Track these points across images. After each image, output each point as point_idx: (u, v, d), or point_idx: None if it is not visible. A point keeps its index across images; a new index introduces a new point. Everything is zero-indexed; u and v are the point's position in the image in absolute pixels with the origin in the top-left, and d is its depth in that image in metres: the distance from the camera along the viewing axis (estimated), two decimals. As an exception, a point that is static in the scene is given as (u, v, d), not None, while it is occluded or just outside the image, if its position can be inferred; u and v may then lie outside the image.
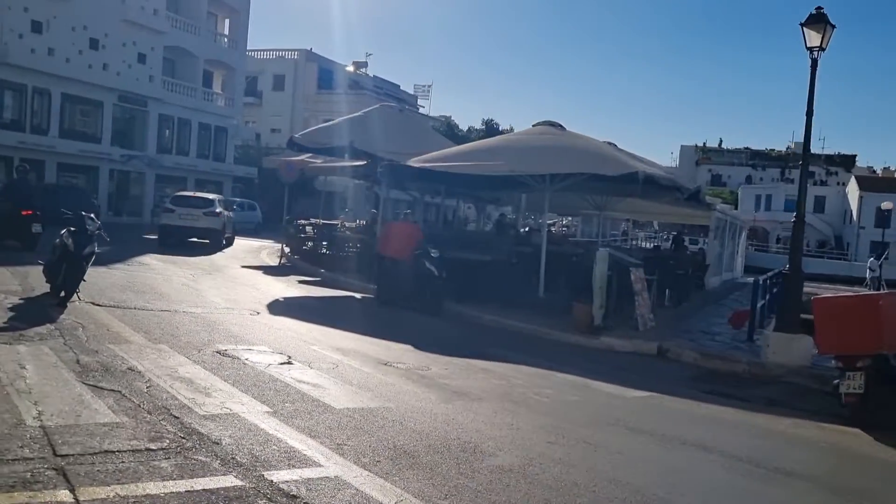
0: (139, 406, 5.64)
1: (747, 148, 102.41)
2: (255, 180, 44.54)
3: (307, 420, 5.84)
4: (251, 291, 14.10)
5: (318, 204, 50.37)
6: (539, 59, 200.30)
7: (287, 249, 23.16)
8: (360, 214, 34.08)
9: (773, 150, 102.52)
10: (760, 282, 13.36)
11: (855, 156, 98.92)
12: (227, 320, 10.34)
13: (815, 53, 10.23)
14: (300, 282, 16.85)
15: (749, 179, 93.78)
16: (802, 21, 10.22)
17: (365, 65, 60.57)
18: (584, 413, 7.37)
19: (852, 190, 75.96)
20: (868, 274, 32.26)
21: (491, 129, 73.45)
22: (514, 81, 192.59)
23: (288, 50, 54.63)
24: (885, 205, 47.88)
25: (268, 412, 5.93)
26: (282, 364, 7.82)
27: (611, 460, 5.75)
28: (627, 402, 8.08)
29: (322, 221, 24.56)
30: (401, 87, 63.37)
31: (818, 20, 10.11)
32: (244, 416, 5.70)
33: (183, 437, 5.02)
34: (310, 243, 22.11)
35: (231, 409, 5.84)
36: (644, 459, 5.92)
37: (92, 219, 10.37)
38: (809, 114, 10.55)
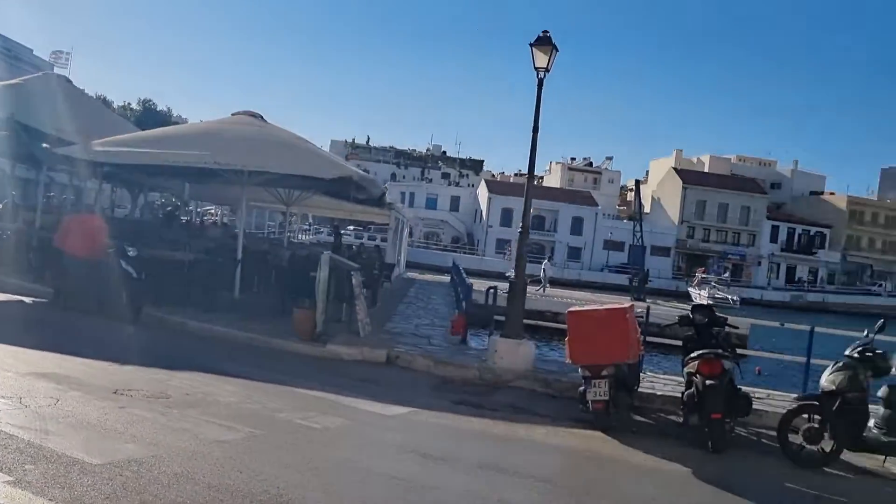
0: None
1: (392, 147, 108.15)
2: None
3: (68, 489, 4.57)
4: None
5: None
6: (193, 36, 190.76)
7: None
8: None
9: (416, 150, 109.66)
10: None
11: (483, 161, 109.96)
12: None
13: (541, 74, 10.85)
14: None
15: (394, 177, 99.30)
16: (532, 41, 10.78)
17: (-11, 19, 51.82)
18: (368, 441, 6.92)
19: (482, 192, 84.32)
20: (542, 274, 35.90)
21: (149, 111, 67.67)
22: (171, 59, 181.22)
23: None
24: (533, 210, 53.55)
25: (9, 482, 4.54)
26: (-16, 404, 6.14)
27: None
28: (394, 421, 7.79)
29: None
30: (34, 53, 55.44)
31: (545, 42, 10.73)
32: (-16, 494, 4.29)
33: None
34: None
35: (-41, 486, 4.36)
36: (473, 494, 5.68)
37: None
38: (535, 130, 11.19)
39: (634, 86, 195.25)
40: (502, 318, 11.55)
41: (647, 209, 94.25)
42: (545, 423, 8.48)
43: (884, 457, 7.69)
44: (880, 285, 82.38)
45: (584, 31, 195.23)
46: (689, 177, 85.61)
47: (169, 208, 29.83)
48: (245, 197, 16.11)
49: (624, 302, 10.74)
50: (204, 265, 13.59)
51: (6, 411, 6.01)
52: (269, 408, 7.47)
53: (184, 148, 13.36)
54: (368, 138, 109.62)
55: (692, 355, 8.13)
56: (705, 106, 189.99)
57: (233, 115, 15.74)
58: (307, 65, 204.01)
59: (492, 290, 13.06)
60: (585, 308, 8.58)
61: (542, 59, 10.79)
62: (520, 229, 11.93)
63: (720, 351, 8.11)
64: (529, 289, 32.68)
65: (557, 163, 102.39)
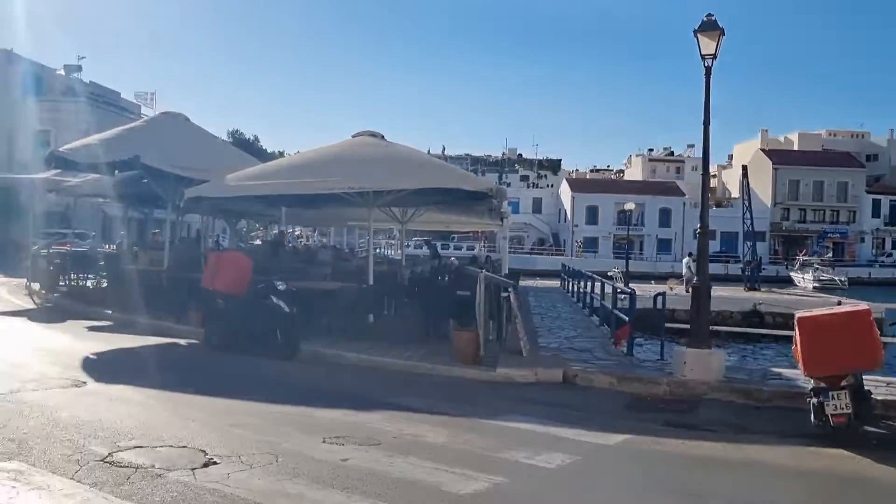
0: None
1: (468, 154, 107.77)
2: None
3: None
4: (40, 352, 10.96)
5: (29, 224, 43.69)
6: (263, 62, 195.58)
7: (36, 285, 19.21)
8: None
9: (491, 155, 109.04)
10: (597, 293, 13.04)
11: (560, 160, 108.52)
12: (59, 403, 7.66)
13: (708, 61, 10.03)
14: (90, 329, 13.67)
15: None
16: (696, 28, 9.98)
17: (78, 69, 53.55)
18: (614, 479, 6.26)
19: (565, 191, 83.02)
20: (687, 271, 34.63)
21: (239, 141, 68.94)
22: (248, 88, 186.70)
23: (-21, 51, 46.55)
24: (628, 206, 52.48)
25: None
26: (207, 466, 5.73)
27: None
28: (619, 452, 7.09)
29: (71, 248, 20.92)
30: (121, 95, 57.14)
31: (711, 27, 9.92)
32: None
33: None
34: (72, 276, 18.51)
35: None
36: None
37: None
38: (706, 123, 10.34)
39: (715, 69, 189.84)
40: (675, 325, 10.76)
41: (734, 193, 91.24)
42: (774, 441, 7.62)
43: None
44: None
45: (654, 18, 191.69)
46: (778, 156, 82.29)
47: (275, 232, 29.76)
48: (372, 218, 15.79)
49: (860, 303, 9.78)
50: (349, 293, 13.18)
51: (234, 476, 5.57)
52: (482, 447, 6.87)
53: (319, 174, 13.01)
54: (444, 147, 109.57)
55: None
56: (787, 84, 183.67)
57: (353, 136, 15.37)
58: (370, 79, 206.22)
59: (660, 296, 12.19)
60: (819, 312, 7.66)
61: (708, 46, 9.97)
62: (697, 229, 11.03)
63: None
64: (673, 286, 31.55)
65: (637, 155, 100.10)
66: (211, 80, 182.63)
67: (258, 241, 37.45)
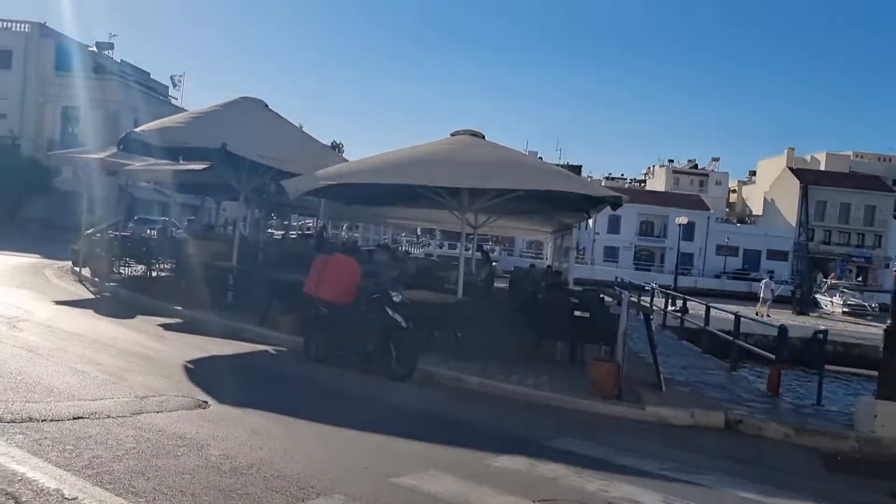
0: None
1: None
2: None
3: None
4: (131, 358, 9.77)
5: (57, 205, 42.64)
6: (296, 52, 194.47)
7: (86, 271, 18.08)
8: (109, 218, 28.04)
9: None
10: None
11: (580, 166, 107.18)
12: (196, 433, 6.49)
13: None
14: (164, 327, 12.49)
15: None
16: None
17: (110, 46, 52.39)
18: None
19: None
20: (768, 293, 33.52)
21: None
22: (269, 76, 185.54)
23: (15, 21, 45.33)
24: (680, 220, 51.24)
25: None
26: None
27: None
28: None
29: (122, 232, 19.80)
30: (151, 76, 56.00)
31: None
32: None
33: None
34: (132, 265, 17.37)
35: None
36: None
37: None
38: None
39: (736, 84, 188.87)
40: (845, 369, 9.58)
41: (758, 211, 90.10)
42: None
43: None
44: None
45: (684, 31, 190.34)
46: (807, 176, 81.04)
47: (320, 227, 28.58)
48: (465, 219, 14.72)
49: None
50: (465, 306, 12.01)
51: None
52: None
53: (423, 172, 11.87)
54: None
55: None
56: (814, 102, 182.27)
57: (452, 134, 14.20)
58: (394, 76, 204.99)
59: (820, 336, 11.02)
60: None
61: None
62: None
63: None
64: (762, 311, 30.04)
65: (662, 166, 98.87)
66: (241, 63, 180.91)
67: (277, 234, 36.15)
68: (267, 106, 15.90)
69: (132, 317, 13.24)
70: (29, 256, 22.66)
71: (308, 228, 38.66)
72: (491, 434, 7.93)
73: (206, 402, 7.62)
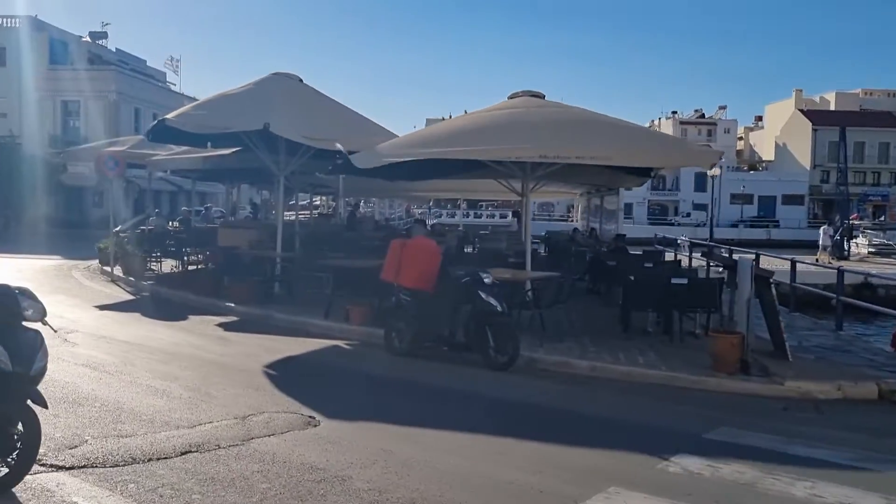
0: None
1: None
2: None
3: None
4: (204, 368, 8.79)
5: (63, 202, 41.43)
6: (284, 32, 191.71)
7: (118, 270, 17.11)
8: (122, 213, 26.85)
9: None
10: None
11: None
12: (327, 463, 5.52)
13: None
14: (223, 327, 11.51)
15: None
16: None
17: (104, 35, 50.85)
18: None
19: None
20: (829, 241, 32.29)
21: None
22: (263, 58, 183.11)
23: (5, 17, 43.78)
24: (713, 171, 49.67)
25: None
26: None
27: None
28: None
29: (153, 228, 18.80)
30: (147, 63, 54.51)
31: None
32: None
33: None
34: (162, 262, 16.39)
35: None
36: None
37: None
38: None
39: (739, 29, 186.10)
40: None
41: (770, 156, 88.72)
42: None
43: None
44: None
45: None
46: (818, 117, 79.46)
47: (349, 208, 27.50)
48: (528, 191, 13.76)
49: None
50: (558, 281, 11.02)
51: None
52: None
53: (494, 141, 10.79)
54: (466, 111, 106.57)
55: None
56: (817, 44, 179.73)
57: (510, 97, 13.07)
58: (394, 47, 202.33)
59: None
60: None
61: None
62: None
63: None
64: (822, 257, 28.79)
65: (667, 118, 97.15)
66: (237, 46, 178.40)
67: (296, 215, 35.07)
68: (302, 80, 14.75)
69: (184, 318, 12.26)
70: (50, 258, 21.63)
71: (329, 208, 37.28)
72: (637, 429, 6.97)
73: (313, 418, 6.65)
